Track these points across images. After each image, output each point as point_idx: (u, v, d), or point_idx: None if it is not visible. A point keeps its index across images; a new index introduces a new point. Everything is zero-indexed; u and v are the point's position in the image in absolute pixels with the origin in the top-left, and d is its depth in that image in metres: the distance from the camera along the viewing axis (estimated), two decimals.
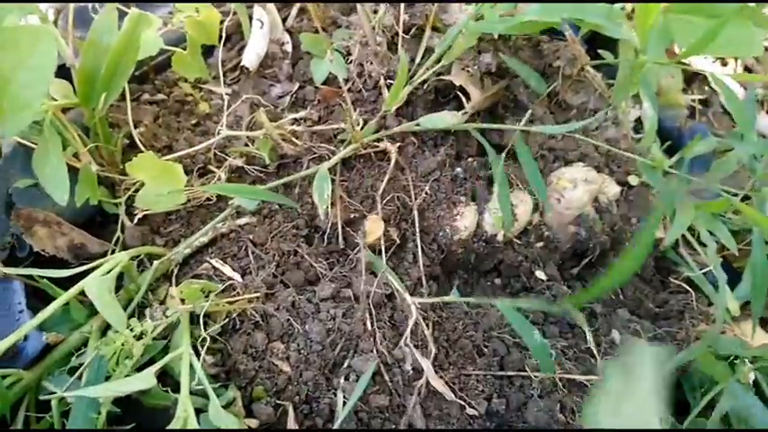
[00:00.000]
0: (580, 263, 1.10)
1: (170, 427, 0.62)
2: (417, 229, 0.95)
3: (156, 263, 0.80)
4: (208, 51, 1.04)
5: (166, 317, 0.73)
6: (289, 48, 1.03)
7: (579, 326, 0.98)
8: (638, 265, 0.58)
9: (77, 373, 0.70)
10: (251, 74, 1.01)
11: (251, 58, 0.99)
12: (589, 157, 1.10)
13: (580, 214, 1.06)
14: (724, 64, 1.56)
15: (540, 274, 1.05)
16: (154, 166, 0.78)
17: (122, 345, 0.68)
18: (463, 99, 0.97)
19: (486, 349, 0.91)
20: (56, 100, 0.82)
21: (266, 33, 1.03)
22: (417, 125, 0.93)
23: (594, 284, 0.70)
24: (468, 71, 0.95)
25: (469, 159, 1.03)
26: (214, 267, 0.84)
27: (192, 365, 0.70)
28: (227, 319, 0.80)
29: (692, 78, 1.45)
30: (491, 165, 1.03)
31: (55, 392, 0.69)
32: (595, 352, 0.94)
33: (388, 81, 0.98)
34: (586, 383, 0.90)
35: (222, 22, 1.00)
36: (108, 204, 0.86)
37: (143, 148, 0.85)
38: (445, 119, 0.92)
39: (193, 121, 0.97)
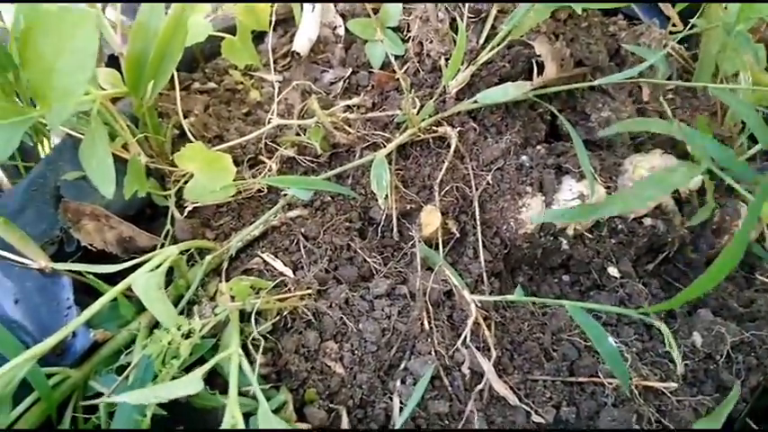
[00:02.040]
0: (656, 258, 1.02)
1: None
2: (478, 222, 0.89)
3: (207, 257, 0.77)
4: (258, 38, 1.01)
5: (215, 314, 0.69)
6: (341, 31, 0.98)
7: (656, 327, 0.90)
8: (733, 267, 0.51)
9: (125, 373, 0.68)
10: (302, 59, 0.96)
11: (302, 43, 0.94)
12: (668, 143, 1.01)
13: (658, 206, 0.97)
14: None
15: (612, 270, 0.97)
16: (202, 157, 0.74)
17: (169, 344, 0.64)
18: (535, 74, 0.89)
19: (554, 353, 0.84)
20: (104, 89, 0.80)
21: (317, 17, 0.98)
22: (475, 101, 0.86)
23: (683, 292, 0.62)
24: (551, 43, 0.87)
25: (537, 147, 0.95)
26: (265, 262, 0.81)
27: (241, 367, 0.66)
28: (278, 317, 0.76)
29: None
30: (561, 151, 0.95)
31: (101, 392, 0.66)
32: (675, 356, 0.86)
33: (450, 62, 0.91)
34: (665, 391, 0.82)
35: (273, 7, 0.96)
36: (158, 197, 0.84)
37: (192, 139, 0.82)
38: (507, 91, 0.85)
39: (244, 110, 0.94)
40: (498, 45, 0.85)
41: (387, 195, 0.82)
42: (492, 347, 0.80)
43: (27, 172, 0.90)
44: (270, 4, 0.92)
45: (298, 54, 0.95)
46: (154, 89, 0.76)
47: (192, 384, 0.59)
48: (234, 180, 0.80)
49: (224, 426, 0.59)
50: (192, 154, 0.74)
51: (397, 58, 0.93)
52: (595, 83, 0.87)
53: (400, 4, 0.93)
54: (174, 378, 0.64)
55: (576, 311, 0.71)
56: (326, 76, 0.94)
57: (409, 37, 0.92)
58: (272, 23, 0.93)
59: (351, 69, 0.95)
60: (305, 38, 0.95)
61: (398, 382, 0.79)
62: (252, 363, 0.74)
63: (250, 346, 0.73)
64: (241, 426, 0.58)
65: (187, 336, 0.66)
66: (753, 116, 0.76)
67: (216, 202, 0.82)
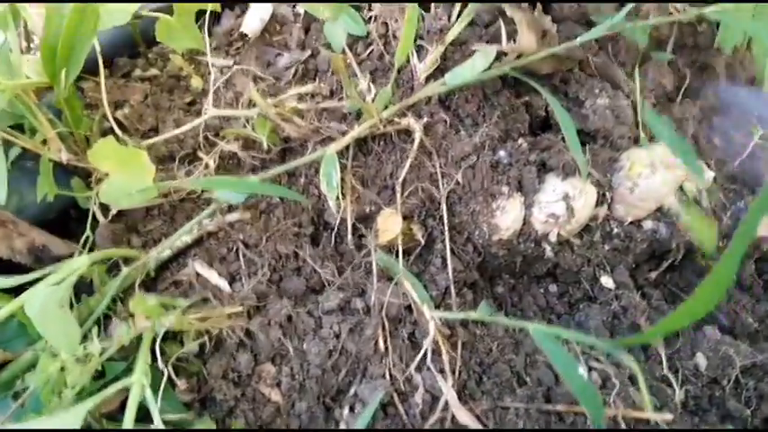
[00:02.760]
0: (659, 266, 0.90)
1: None
2: (446, 227, 0.78)
3: (125, 269, 0.68)
4: (216, 19, 0.91)
5: (126, 335, 0.61)
6: (301, 9, 0.87)
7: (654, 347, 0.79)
8: (733, 272, 0.40)
9: (20, 400, 0.60)
10: (253, 42, 0.86)
11: (252, 24, 0.84)
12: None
13: (659, 207, 0.85)
14: None
15: (606, 280, 0.87)
16: (117, 154, 0.65)
17: (62, 369, 0.56)
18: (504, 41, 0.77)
19: (528, 377, 0.74)
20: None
21: None
22: (443, 84, 0.75)
23: (679, 311, 0.50)
24: (525, 11, 0.75)
25: (519, 141, 0.83)
26: (198, 273, 0.71)
27: (147, 395, 0.58)
28: (205, 337, 0.67)
29: None
30: (545, 145, 0.83)
31: None
32: (673, 381, 0.75)
33: (418, 43, 0.80)
34: (659, 423, 0.71)
35: None
36: (82, 199, 0.75)
37: (120, 133, 0.73)
38: (474, 64, 0.73)
39: (187, 100, 0.84)
40: (468, 19, 0.74)
41: (338, 196, 0.72)
42: (455, 370, 0.70)
43: None
44: None
45: (247, 36, 0.84)
46: (67, 79, 0.67)
47: (72, 419, 0.50)
48: (165, 178, 0.71)
49: None
50: (106, 151, 0.65)
51: (358, 39, 0.82)
52: (567, 45, 0.75)
53: None
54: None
55: (542, 337, 0.60)
56: (281, 60, 0.84)
57: (372, 17, 0.81)
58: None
59: (309, 52, 0.84)
60: (256, 18, 0.84)
61: (346, 410, 0.69)
62: (174, 387, 0.66)
63: (170, 371, 0.64)
64: None
65: (84, 360, 0.57)
66: None
67: (141, 205, 0.72)
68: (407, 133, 0.79)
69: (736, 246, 0.39)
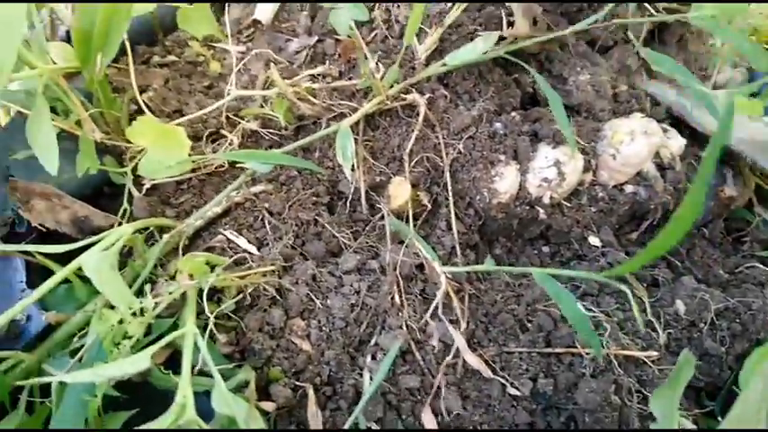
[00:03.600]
0: (639, 227, 0.99)
1: (167, 413, 0.56)
2: (450, 193, 0.86)
3: (164, 236, 0.74)
4: (222, 7, 0.97)
5: (170, 293, 0.67)
6: None
7: (639, 296, 0.87)
8: (695, 216, 0.47)
9: (78, 355, 0.65)
10: (265, 28, 0.92)
11: (264, 11, 0.91)
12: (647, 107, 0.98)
13: (639, 172, 0.94)
14: None
15: (593, 239, 0.95)
16: (155, 131, 0.71)
17: (120, 323, 0.62)
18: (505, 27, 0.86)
19: (529, 324, 0.82)
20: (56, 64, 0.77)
21: None
22: (444, 65, 0.83)
23: (649, 247, 0.59)
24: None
25: (512, 113, 0.91)
26: (228, 239, 0.78)
27: (197, 345, 0.64)
28: (240, 295, 0.74)
29: None
30: (536, 117, 0.92)
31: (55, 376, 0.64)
32: (657, 325, 0.84)
33: (420, 27, 0.88)
34: (646, 360, 0.80)
35: None
36: (115, 174, 0.81)
37: (149, 114, 0.79)
38: (476, 46, 0.81)
39: (206, 83, 0.90)
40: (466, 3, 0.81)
41: (353, 167, 0.80)
42: (464, 320, 0.78)
43: None
44: None
45: (260, 23, 0.91)
46: (102, 63, 0.73)
47: (140, 362, 0.56)
48: (192, 155, 0.77)
49: (174, 404, 0.56)
50: (144, 128, 0.71)
51: (363, 24, 0.89)
52: (557, 34, 0.83)
53: None
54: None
55: (544, 278, 0.68)
56: (291, 46, 0.91)
57: (375, 4, 0.89)
58: None
59: (317, 38, 0.91)
60: (267, 6, 0.91)
61: (368, 358, 0.77)
62: (214, 341, 0.73)
63: (212, 326, 0.70)
64: (190, 406, 0.56)
65: (140, 314, 0.64)
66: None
67: (175, 178, 0.79)
68: (412, 108, 0.86)
69: (696, 186, 0.47)
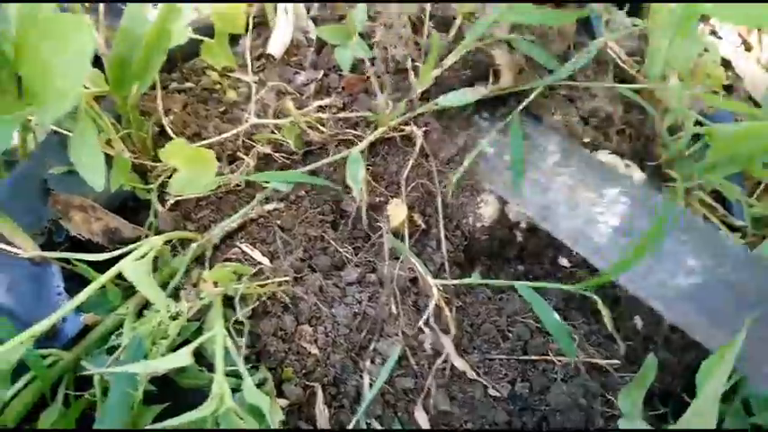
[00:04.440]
0: None
1: (206, 404, 0.64)
2: (441, 216, 0.96)
3: (192, 246, 0.82)
4: (233, 40, 1.06)
5: (200, 299, 0.75)
6: (313, 35, 1.04)
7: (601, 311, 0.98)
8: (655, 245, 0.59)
9: (116, 354, 0.72)
10: (276, 62, 1.02)
11: (276, 46, 1.00)
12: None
13: None
14: (748, 49, 1.55)
15: (563, 260, 1.06)
16: (186, 153, 0.79)
17: (159, 324, 0.70)
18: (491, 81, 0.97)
19: (509, 334, 0.92)
20: (87, 88, 0.84)
21: (291, 22, 1.04)
22: (436, 104, 0.94)
23: (597, 278, 0.72)
24: (510, 52, 0.95)
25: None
26: (244, 252, 0.86)
27: (225, 346, 0.72)
28: (257, 303, 0.82)
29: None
30: None
31: (92, 371, 0.71)
32: (617, 338, 0.95)
33: (415, 64, 0.98)
34: (609, 368, 0.91)
35: (251, 7, 1.01)
36: (140, 191, 0.88)
37: (173, 136, 0.87)
38: (466, 95, 0.92)
39: (221, 109, 0.99)
40: (462, 51, 0.92)
41: (362, 189, 0.89)
42: (453, 328, 0.88)
43: (7, 167, 0.94)
44: (246, 6, 0.98)
45: (272, 56, 1.01)
46: (138, 90, 0.81)
47: (182, 358, 0.64)
48: (215, 175, 0.85)
49: (212, 396, 0.64)
50: (176, 150, 0.79)
51: (364, 61, 0.99)
52: (538, 84, 0.95)
53: (365, 12, 1.00)
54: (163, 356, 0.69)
55: (525, 290, 0.80)
56: (299, 78, 1.00)
57: (374, 42, 0.99)
58: (249, 28, 0.99)
59: (322, 72, 1.01)
60: (279, 41, 1.01)
61: (368, 362, 0.85)
62: (235, 344, 0.81)
63: (231, 330, 0.78)
64: (229, 397, 0.64)
65: (175, 317, 0.71)
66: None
67: (197, 195, 0.87)
68: (409, 138, 0.96)
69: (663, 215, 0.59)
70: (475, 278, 0.86)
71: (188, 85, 1.00)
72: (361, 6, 1.00)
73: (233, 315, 0.80)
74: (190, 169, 0.80)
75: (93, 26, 0.86)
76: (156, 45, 0.78)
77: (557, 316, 0.80)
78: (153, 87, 0.93)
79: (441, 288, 0.89)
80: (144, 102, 0.94)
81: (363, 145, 0.90)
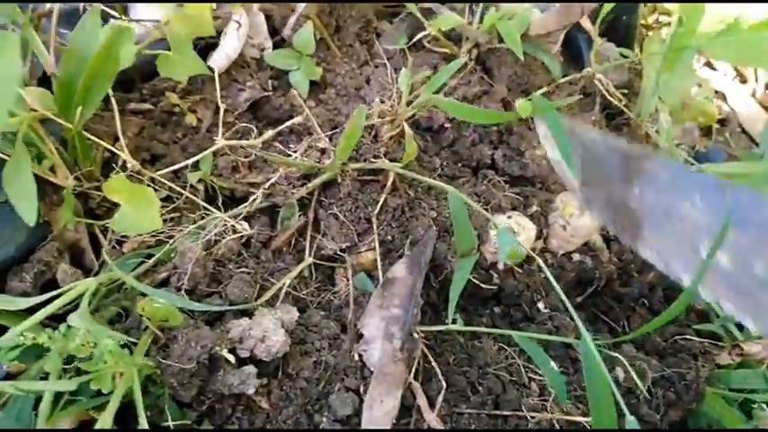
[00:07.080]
0: (585, 291, 1.05)
1: None
2: None
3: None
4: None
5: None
6: (267, 54, 0.99)
7: (581, 361, 0.92)
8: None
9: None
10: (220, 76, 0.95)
11: (219, 60, 0.94)
12: None
13: (586, 242, 1.00)
14: (743, 81, 1.50)
15: (541, 304, 1.00)
16: (127, 189, 0.73)
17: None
18: None
19: (480, 387, 0.86)
20: (34, 110, 0.78)
21: (243, 35, 0.97)
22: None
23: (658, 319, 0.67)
24: None
25: (465, 186, 0.97)
26: None
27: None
28: None
29: None
30: (490, 188, 0.98)
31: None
32: None
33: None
34: (586, 425, 0.85)
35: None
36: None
37: (130, 163, 0.80)
38: None
39: (179, 134, 0.92)
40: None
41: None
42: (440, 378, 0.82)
43: None
44: (210, 5, 0.90)
45: (211, 69, 0.93)
46: (82, 116, 0.74)
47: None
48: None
49: None
50: (118, 186, 0.72)
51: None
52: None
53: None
54: None
55: (522, 339, 0.77)
56: (243, 95, 0.95)
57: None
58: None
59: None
60: (223, 54, 0.94)
61: (324, 418, 0.79)
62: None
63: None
64: None
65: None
66: None
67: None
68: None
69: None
70: (459, 324, 0.81)
71: (146, 106, 0.93)
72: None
73: None
74: (132, 206, 0.73)
75: (44, 43, 0.80)
76: (101, 69, 0.72)
77: (554, 365, 0.75)
78: (108, 108, 0.86)
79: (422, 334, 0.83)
80: (96, 124, 0.87)
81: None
